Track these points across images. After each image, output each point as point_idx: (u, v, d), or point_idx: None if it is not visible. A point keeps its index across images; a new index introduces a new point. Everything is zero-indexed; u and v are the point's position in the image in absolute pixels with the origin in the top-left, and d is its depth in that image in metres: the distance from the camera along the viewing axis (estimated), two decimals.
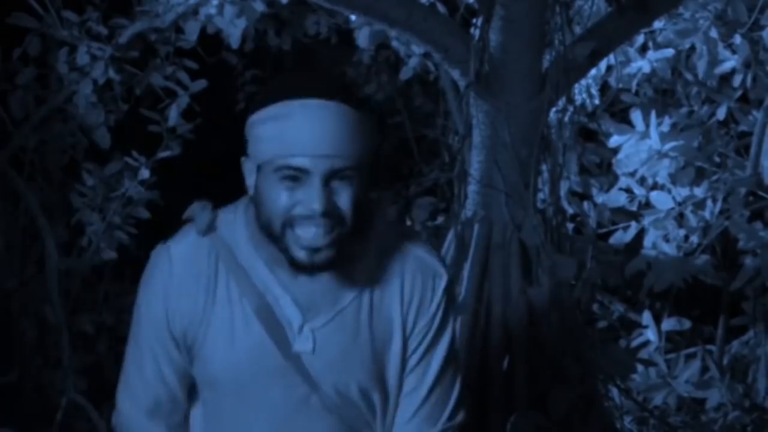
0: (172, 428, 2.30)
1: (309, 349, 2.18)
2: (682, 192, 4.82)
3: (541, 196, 3.99)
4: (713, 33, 4.71)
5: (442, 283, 2.28)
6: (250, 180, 2.18)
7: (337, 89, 2.13)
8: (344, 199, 2.10)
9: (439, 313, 2.27)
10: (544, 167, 3.92)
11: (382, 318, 2.23)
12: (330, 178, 2.08)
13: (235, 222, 2.23)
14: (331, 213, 2.08)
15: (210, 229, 2.22)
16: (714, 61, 4.79)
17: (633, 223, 4.88)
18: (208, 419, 2.28)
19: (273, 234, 2.12)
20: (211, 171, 6.68)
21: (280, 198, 2.09)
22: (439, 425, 2.30)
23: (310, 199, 2.08)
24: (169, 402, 2.28)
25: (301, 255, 2.10)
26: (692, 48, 4.87)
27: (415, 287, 2.24)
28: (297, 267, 2.13)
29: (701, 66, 4.78)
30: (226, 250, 2.19)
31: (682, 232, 4.85)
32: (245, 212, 2.24)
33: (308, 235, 2.09)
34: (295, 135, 2.07)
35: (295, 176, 2.08)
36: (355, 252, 2.20)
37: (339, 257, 2.13)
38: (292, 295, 2.18)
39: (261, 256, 2.18)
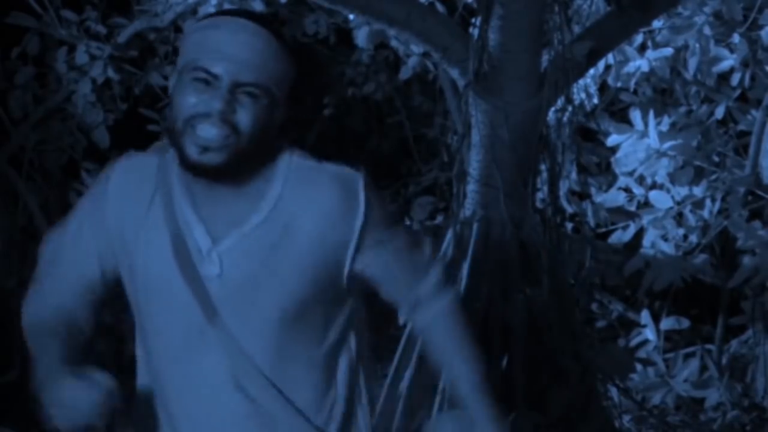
0: (66, 343, 2.37)
1: (215, 273, 2.16)
2: (681, 191, 4.82)
3: (540, 195, 3.99)
4: (707, 30, 4.72)
5: (360, 183, 2.20)
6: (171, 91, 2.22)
7: (270, 22, 2.19)
8: (246, 112, 2.11)
9: (373, 213, 2.19)
10: (542, 166, 3.92)
11: (300, 240, 2.17)
12: (237, 86, 2.11)
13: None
14: (229, 118, 2.10)
15: (166, 149, 2.22)
16: (707, 59, 4.80)
17: (632, 223, 4.88)
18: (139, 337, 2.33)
19: (176, 135, 2.14)
20: None
21: (188, 98, 2.12)
22: (432, 272, 2.27)
23: (212, 98, 2.10)
24: (68, 319, 2.39)
25: (192, 152, 2.11)
26: (689, 46, 4.88)
27: (333, 202, 2.18)
28: (189, 167, 2.13)
29: (693, 63, 4.78)
30: (164, 173, 2.21)
31: (681, 232, 4.86)
32: None
33: (203, 132, 2.10)
34: (215, 41, 2.12)
35: (206, 79, 2.11)
36: (259, 178, 2.18)
37: (232, 167, 2.12)
38: (204, 219, 2.18)
39: (182, 180, 2.20)
